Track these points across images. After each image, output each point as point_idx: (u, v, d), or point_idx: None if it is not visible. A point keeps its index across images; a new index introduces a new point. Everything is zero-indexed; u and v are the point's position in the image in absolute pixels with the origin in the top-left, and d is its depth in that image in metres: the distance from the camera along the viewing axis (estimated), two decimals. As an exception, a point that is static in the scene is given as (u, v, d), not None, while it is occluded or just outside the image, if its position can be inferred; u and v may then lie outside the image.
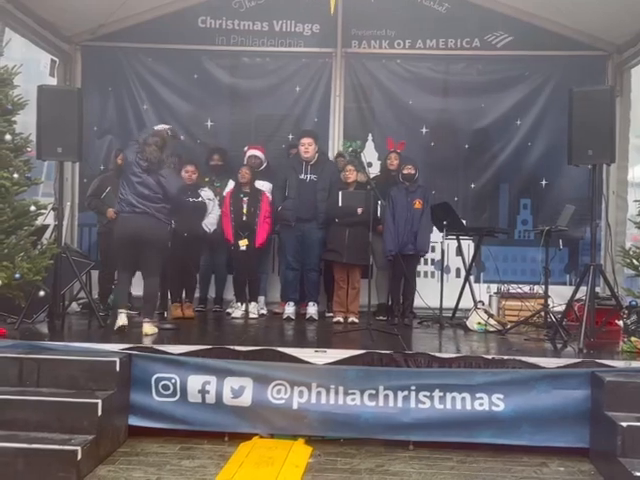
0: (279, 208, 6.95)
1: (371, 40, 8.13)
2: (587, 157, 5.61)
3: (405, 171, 6.84)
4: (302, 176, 6.91)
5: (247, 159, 7.35)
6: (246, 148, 7.49)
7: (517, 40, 7.95)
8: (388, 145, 7.42)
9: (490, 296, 7.27)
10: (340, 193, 6.63)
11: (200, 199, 6.85)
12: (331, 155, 7.85)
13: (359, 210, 6.57)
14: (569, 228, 6.73)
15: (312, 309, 6.99)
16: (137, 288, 6.76)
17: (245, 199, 6.95)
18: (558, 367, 4.84)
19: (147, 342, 5.33)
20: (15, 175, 5.45)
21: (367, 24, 8.07)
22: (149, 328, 5.69)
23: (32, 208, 5.59)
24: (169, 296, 6.77)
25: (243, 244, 6.85)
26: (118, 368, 4.59)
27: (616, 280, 6.17)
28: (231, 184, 7.16)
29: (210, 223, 6.87)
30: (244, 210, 6.91)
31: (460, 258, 7.45)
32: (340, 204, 6.61)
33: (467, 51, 8.07)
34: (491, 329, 6.41)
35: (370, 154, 7.82)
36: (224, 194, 7.12)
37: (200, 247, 6.96)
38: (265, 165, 7.49)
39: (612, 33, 7.58)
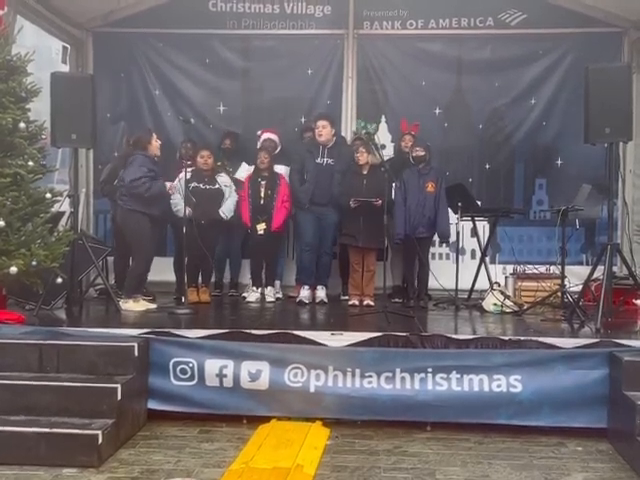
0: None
1: (383, 21, 8.06)
2: (604, 135, 5.53)
3: (414, 153, 6.78)
4: (319, 160, 6.85)
5: (262, 142, 7.30)
6: (260, 132, 7.46)
7: (531, 18, 7.85)
8: (402, 127, 7.36)
9: (506, 277, 7.25)
10: None
11: (217, 186, 6.82)
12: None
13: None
14: (585, 208, 6.67)
15: (321, 292, 6.97)
16: (152, 273, 6.82)
17: (263, 183, 6.89)
18: (576, 347, 4.81)
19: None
20: (30, 163, 5.47)
21: (379, 4, 8.00)
22: (127, 305, 6.15)
23: (48, 195, 5.59)
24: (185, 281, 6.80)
25: (261, 228, 6.82)
26: (136, 353, 4.61)
27: (633, 259, 6.10)
28: (244, 167, 7.13)
29: (227, 210, 6.81)
30: (261, 194, 6.87)
31: (475, 239, 7.40)
32: None
33: (480, 30, 7.99)
34: (507, 310, 6.38)
35: (383, 136, 7.75)
36: (237, 177, 7.09)
37: (217, 233, 6.95)
38: (279, 149, 7.45)
39: (627, 9, 7.46)
